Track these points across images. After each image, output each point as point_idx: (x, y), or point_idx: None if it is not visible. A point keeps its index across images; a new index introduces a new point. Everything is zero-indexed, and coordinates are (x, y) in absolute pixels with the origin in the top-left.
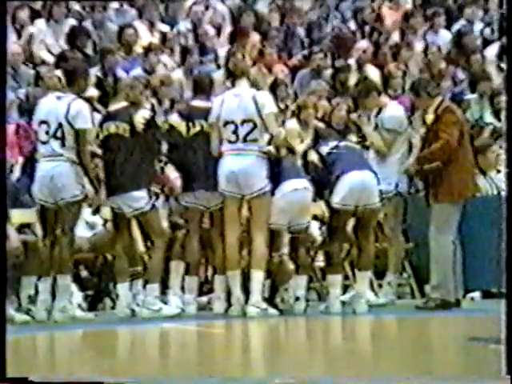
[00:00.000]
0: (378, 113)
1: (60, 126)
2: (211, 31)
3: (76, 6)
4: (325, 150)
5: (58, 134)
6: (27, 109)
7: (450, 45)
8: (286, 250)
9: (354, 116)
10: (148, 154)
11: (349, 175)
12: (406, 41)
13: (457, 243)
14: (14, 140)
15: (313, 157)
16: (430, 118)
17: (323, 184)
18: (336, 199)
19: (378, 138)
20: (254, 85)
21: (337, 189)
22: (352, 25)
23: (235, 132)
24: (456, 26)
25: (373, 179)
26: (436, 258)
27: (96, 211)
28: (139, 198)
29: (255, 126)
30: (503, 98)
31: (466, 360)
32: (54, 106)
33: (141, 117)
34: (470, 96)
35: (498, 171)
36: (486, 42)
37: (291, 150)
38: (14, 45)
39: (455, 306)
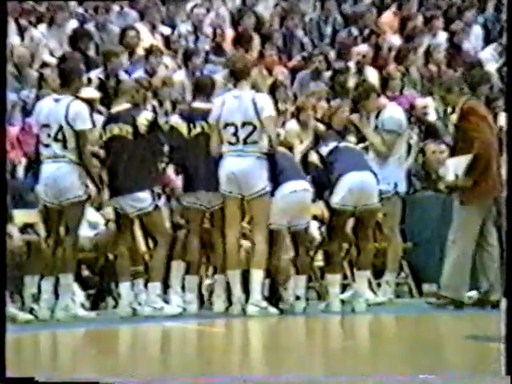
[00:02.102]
0: (378, 114)
1: (60, 128)
2: (213, 33)
3: (79, 9)
4: (324, 150)
5: (59, 137)
6: (31, 111)
7: (447, 46)
8: (290, 254)
9: (353, 117)
10: (151, 155)
11: (348, 176)
12: (406, 43)
13: (493, 244)
14: (17, 141)
15: (313, 157)
16: (454, 117)
17: (323, 184)
18: (336, 199)
19: (378, 139)
20: (255, 87)
21: (336, 189)
22: (350, 29)
23: (235, 134)
24: (453, 28)
25: (372, 180)
26: (450, 257)
27: (98, 209)
28: (143, 199)
29: (255, 128)
30: (500, 101)
31: (465, 358)
32: (53, 108)
33: (144, 118)
34: None
35: None
36: (484, 45)
37: (291, 151)
38: (19, 47)
39: (492, 307)
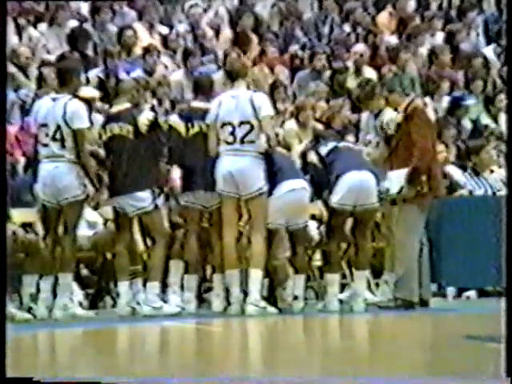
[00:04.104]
0: (377, 115)
1: (58, 127)
2: (210, 32)
3: (82, 9)
4: (324, 150)
5: (57, 136)
6: (30, 110)
7: (445, 46)
8: (287, 253)
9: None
10: (151, 154)
11: (348, 175)
12: (404, 43)
13: (424, 242)
14: (16, 140)
15: (312, 157)
16: (399, 116)
17: (322, 184)
18: (335, 199)
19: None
20: (256, 85)
21: (336, 189)
22: (347, 27)
23: (233, 133)
24: (452, 28)
25: (371, 179)
26: (401, 258)
27: (95, 209)
28: (143, 198)
29: (252, 127)
30: (501, 100)
31: (465, 358)
32: (50, 108)
33: (145, 118)
34: (469, 101)
35: (492, 171)
36: (484, 45)
37: (289, 150)
38: (21, 46)
39: (421, 306)
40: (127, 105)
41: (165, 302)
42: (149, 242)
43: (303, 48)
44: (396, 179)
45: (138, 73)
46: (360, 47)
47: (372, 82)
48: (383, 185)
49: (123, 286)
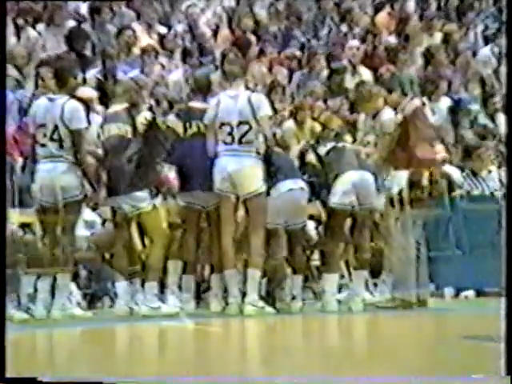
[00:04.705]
0: (375, 115)
1: (56, 128)
2: (208, 32)
3: (80, 10)
4: (322, 150)
5: (55, 136)
6: (27, 110)
7: (441, 45)
8: (284, 252)
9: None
10: (149, 154)
11: (346, 175)
12: (402, 43)
13: (422, 242)
14: (14, 141)
15: (310, 157)
16: (398, 117)
17: (321, 184)
18: (334, 199)
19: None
20: (255, 82)
21: (335, 189)
22: (344, 28)
23: (231, 133)
24: (449, 28)
25: (370, 179)
26: (399, 258)
27: (94, 209)
28: (142, 198)
29: (250, 127)
30: (497, 100)
31: (465, 358)
32: (48, 108)
33: (143, 118)
34: (473, 106)
35: (490, 171)
36: (482, 43)
37: (287, 150)
38: (17, 47)
39: (419, 305)
40: (125, 105)
41: (163, 302)
42: (147, 242)
43: (301, 48)
44: (398, 180)
45: (135, 73)
46: (354, 43)
47: (368, 84)
48: (384, 183)
49: (121, 287)
